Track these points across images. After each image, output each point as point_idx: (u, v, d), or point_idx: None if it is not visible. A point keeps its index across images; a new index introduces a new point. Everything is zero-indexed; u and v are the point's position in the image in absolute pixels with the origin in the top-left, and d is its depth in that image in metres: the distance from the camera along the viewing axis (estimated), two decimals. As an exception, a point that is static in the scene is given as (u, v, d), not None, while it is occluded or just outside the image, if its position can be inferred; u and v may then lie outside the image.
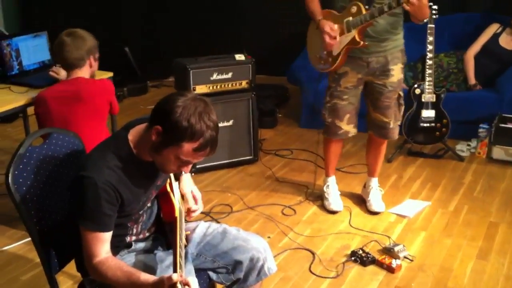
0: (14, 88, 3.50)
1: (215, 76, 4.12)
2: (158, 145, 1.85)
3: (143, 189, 1.98)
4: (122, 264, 1.89)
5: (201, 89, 4.09)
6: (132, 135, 1.93)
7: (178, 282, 1.70)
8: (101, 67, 3.99)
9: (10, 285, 2.96)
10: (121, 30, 6.29)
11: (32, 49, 3.82)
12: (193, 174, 2.36)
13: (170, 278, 1.70)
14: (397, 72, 3.33)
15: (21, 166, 2.06)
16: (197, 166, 4.18)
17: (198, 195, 2.26)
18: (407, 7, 2.96)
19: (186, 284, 1.71)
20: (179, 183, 2.26)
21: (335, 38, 3.17)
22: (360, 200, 3.77)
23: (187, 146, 1.82)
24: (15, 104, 3.32)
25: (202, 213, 3.57)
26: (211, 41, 6.10)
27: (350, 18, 3.14)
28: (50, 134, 2.26)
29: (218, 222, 3.46)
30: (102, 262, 1.87)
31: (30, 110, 5.23)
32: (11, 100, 3.34)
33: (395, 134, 3.51)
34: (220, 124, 4.19)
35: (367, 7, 3.10)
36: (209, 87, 4.12)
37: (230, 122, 4.25)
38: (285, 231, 3.44)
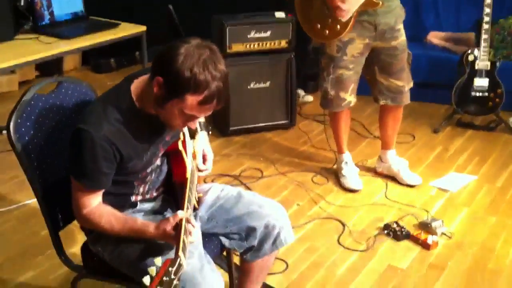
0: (43, 39, 3.40)
1: (252, 34, 3.90)
2: (161, 98, 1.68)
3: (148, 144, 1.82)
4: (115, 211, 1.80)
5: (237, 47, 3.90)
6: (135, 87, 1.77)
7: (185, 220, 1.63)
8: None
9: (30, 238, 2.90)
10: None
11: (65, -1, 3.70)
12: (210, 133, 2.18)
13: (176, 215, 1.66)
14: (403, 31, 3.15)
15: (24, 115, 1.94)
16: (231, 128, 4.02)
17: (210, 155, 2.08)
18: None
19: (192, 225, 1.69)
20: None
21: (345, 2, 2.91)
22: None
23: (191, 99, 1.64)
24: (41, 54, 3.22)
25: (230, 176, 3.47)
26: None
27: None
28: (61, 82, 2.13)
29: (247, 187, 3.35)
30: (93, 211, 1.78)
31: (69, 64, 5.24)
32: (38, 50, 3.25)
33: (409, 97, 3.29)
34: (256, 85, 4.06)
35: None
36: (246, 46, 3.92)
37: (267, 84, 4.04)
38: (315, 200, 3.25)
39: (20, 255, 2.78)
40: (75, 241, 2.51)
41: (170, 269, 1.47)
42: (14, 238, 2.92)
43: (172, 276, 1.46)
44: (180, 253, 1.53)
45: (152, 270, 1.46)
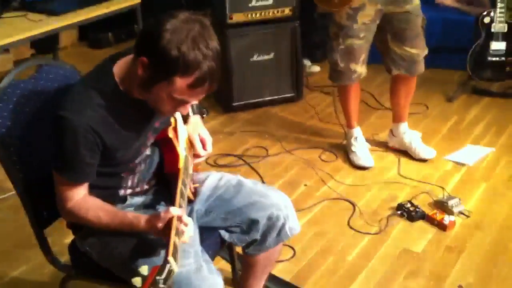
0: (31, 16, 3.20)
1: (254, 3, 3.69)
2: (146, 81, 1.50)
3: (135, 132, 1.65)
4: (103, 203, 1.64)
5: (238, 17, 3.69)
6: (118, 67, 1.58)
7: (176, 219, 1.47)
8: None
9: (24, 229, 2.70)
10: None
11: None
12: (205, 116, 2.00)
13: (167, 211, 1.49)
14: None
15: (1, 104, 1.77)
16: (234, 104, 3.83)
17: (207, 138, 1.91)
18: None
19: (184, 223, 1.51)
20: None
21: None
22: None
23: (180, 82, 1.46)
24: (30, 33, 3.03)
25: (233, 156, 3.30)
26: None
27: None
28: (41, 66, 1.96)
29: (251, 167, 3.19)
30: (78, 204, 1.62)
31: (66, 40, 5.04)
32: (26, 28, 3.05)
33: (423, 66, 3.09)
34: (260, 57, 3.86)
35: None
36: (248, 15, 3.71)
37: (271, 55, 3.85)
38: (324, 179, 3.08)
39: (13, 248, 2.64)
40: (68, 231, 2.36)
41: (157, 278, 1.31)
42: (6, 229, 2.78)
43: (161, 286, 1.31)
44: (170, 257, 1.37)
45: (137, 280, 1.30)
